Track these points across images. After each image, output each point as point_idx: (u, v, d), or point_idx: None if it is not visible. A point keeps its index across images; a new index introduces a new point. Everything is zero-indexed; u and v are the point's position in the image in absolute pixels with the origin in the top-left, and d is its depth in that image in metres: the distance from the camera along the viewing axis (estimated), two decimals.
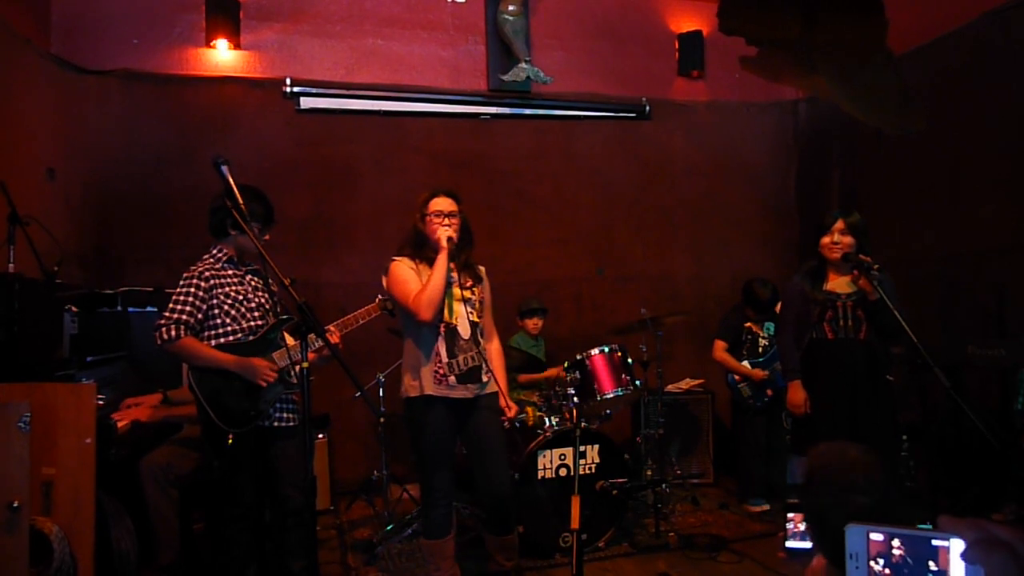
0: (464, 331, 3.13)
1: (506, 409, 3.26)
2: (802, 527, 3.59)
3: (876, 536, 0.81)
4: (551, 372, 4.86)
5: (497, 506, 3.22)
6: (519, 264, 5.76)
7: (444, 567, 3.19)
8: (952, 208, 4.89)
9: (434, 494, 3.15)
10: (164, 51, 5.11)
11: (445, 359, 3.07)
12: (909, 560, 0.79)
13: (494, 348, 3.35)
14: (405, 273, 3.11)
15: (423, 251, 3.16)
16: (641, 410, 5.01)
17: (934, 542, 0.77)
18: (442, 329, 3.09)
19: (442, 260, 3.03)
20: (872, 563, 0.81)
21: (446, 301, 3.09)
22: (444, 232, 3.07)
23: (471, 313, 3.15)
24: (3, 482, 2.24)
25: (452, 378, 3.07)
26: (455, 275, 3.14)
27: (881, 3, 4.08)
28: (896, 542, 0.79)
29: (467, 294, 3.15)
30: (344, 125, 5.45)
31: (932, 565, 0.77)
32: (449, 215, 3.14)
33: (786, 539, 3.72)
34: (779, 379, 4.52)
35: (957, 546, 0.75)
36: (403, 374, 3.18)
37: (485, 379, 3.16)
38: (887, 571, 0.80)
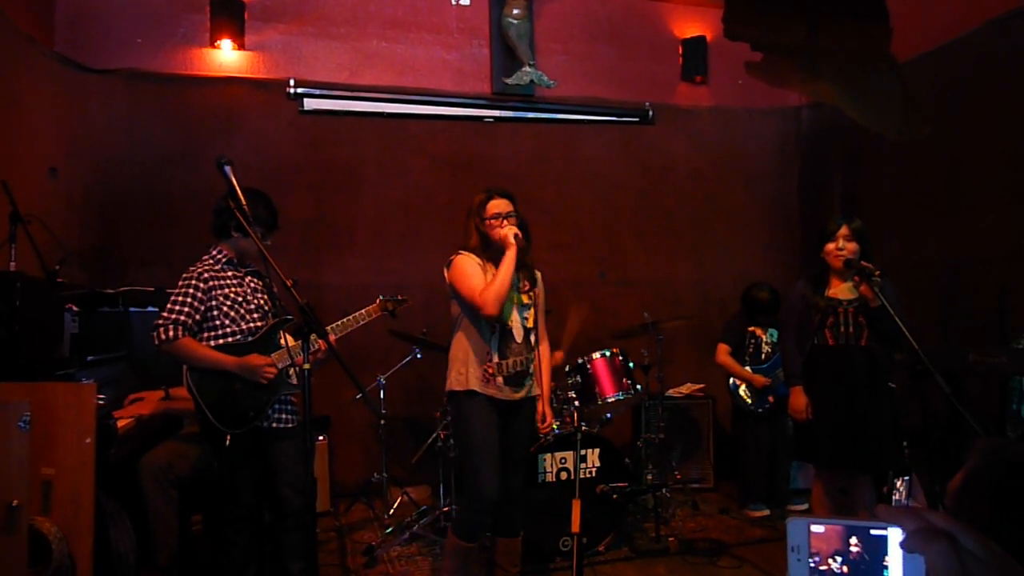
0: (518, 335, 3.12)
1: (541, 419, 3.26)
2: (903, 493, 3.50)
3: (817, 528, 0.79)
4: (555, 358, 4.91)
5: (507, 509, 3.19)
6: None
7: (460, 571, 3.15)
8: (954, 214, 4.89)
9: (480, 497, 3.00)
10: (168, 51, 5.11)
11: (496, 359, 3.06)
12: (866, 556, 0.78)
13: (544, 351, 3.32)
14: (471, 267, 3.08)
15: (488, 252, 3.14)
16: (642, 414, 5.01)
17: (872, 532, 0.77)
18: (497, 329, 3.08)
19: (510, 257, 3.00)
20: (830, 561, 0.80)
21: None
22: (511, 230, 3.05)
23: (527, 319, 3.15)
24: (2, 482, 2.23)
25: (500, 379, 3.06)
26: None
27: (886, 10, 4.08)
28: (854, 539, 0.79)
29: (525, 298, 3.16)
30: (347, 127, 5.45)
31: (887, 560, 0.77)
32: (508, 216, 3.13)
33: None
34: (781, 387, 4.51)
35: (895, 535, 0.75)
36: (450, 367, 3.14)
37: (529, 383, 3.17)
38: (845, 568, 0.79)
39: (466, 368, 3.07)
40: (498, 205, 3.15)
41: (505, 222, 3.11)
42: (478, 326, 3.10)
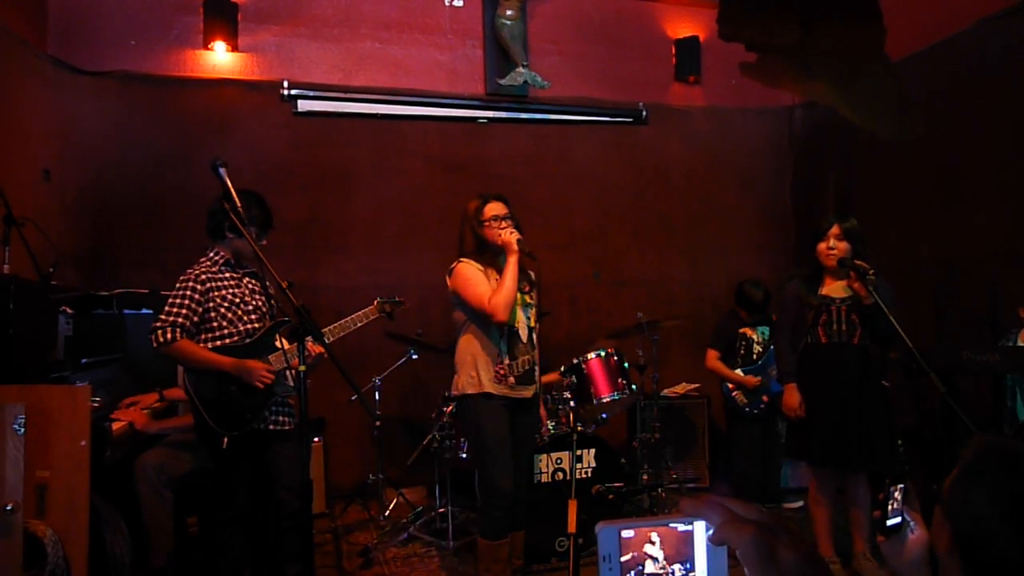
0: (523, 335, 3.21)
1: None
2: (899, 501, 3.43)
3: (627, 533, 0.77)
4: (549, 377, 4.85)
5: (514, 504, 3.25)
6: None
7: (495, 570, 3.17)
8: (947, 214, 4.91)
9: (497, 493, 3.13)
10: (161, 53, 5.10)
11: (507, 361, 3.14)
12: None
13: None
14: (475, 275, 3.15)
15: (485, 256, 3.21)
16: (637, 414, 5.02)
17: (680, 528, 0.77)
18: (505, 331, 3.15)
19: (514, 263, 3.10)
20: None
21: None
22: (514, 235, 3.13)
23: (529, 319, 3.23)
24: None
25: (512, 379, 3.14)
26: None
27: (879, 10, 4.11)
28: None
29: (527, 299, 3.24)
30: (341, 128, 5.44)
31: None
32: (505, 218, 3.20)
33: (886, 518, 3.56)
34: (774, 385, 4.51)
35: (700, 528, 0.76)
36: (458, 371, 3.21)
37: (537, 381, 3.26)
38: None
39: (476, 371, 3.14)
40: (495, 208, 3.22)
41: (505, 224, 3.16)
42: (487, 330, 3.16)
